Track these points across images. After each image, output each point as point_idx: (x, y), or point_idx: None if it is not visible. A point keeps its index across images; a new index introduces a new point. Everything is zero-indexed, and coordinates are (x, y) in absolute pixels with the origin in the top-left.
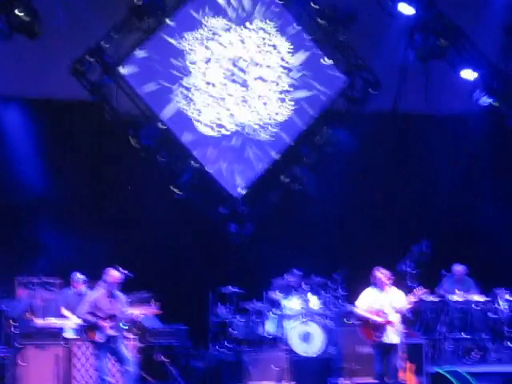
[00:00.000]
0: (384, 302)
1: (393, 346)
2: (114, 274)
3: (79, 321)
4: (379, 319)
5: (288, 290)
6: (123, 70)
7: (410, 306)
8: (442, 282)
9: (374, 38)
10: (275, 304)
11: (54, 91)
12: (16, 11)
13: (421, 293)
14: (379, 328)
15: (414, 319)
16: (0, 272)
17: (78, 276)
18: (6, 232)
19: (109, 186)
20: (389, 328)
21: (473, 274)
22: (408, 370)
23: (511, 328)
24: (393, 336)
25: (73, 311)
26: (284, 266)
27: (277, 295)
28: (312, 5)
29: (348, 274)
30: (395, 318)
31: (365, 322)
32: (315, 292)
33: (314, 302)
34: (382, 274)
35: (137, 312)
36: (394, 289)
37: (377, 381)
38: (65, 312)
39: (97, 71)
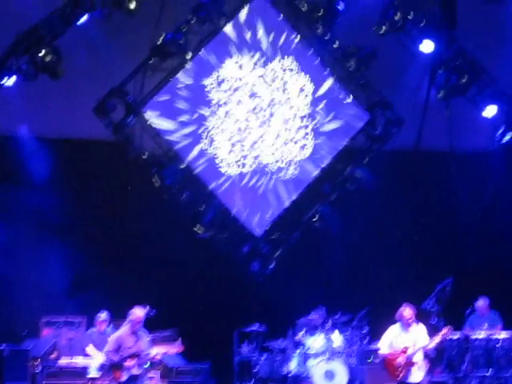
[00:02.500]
0: (408, 340)
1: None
2: (138, 313)
3: (104, 359)
4: (401, 359)
5: (313, 328)
6: (148, 115)
7: (434, 345)
8: (466, 321)
9: (396, 75)
10: (299, 343)
11: (77, 131)
12: (40, 52)
13: (446, 333)
14: (403, 367)
15: (437, 357)
16: (25, 312)
17: (101, 316)
18: (31, 272)
19: (132, 225)
20: (413, 367)
21: (497, 308)
22: None
23: None
24: (417, 374)
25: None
26: (307, 304)
27: (300, 335)
28: (333, 43)
29: (372, 312)
30: (418, 357)
31: (388, 361)
32: (340, 330)
33: (338, 339)
34: (408, 312)
35: (156, 352)
36: (419, 326)
37: None
38: (90, 350)
39: (120, 111)
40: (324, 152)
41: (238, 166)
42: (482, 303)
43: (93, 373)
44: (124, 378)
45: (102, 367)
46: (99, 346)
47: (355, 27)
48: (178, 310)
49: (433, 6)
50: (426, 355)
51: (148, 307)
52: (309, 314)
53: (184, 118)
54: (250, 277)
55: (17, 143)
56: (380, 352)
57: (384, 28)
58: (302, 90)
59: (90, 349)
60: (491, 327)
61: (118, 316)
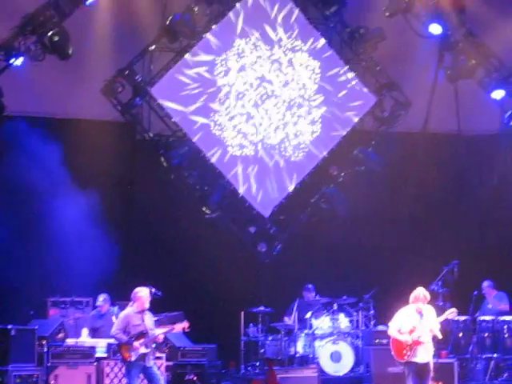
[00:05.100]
0: (417, 321)
1: (424, 366)
2: (145, 294)
3: (107, 341)
4: (408, 339)
5: (316, 309)
6: (155, 95)
7: (439, 325)
8: (472, 303)
9: (404, 57)
10: (306, 324)
11: (85, 111)
12: (48, 33)
13: (451, 314)
14: (410, 347)
15: (444, 339)
16: (32, 292)
17: (99, 298)
18: (38, 252)
19: (139, 206)
20: (420, 347)
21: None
22: None
23: None
24: (424, 355)
25: (97, 332)
26: (314, 285)
27: (308, 316)
28: (341, 26)
29: (379, 293)
30: (427, 338)
31: (396, 342)
32: (346, 312)
33: (344, 321)
34: (424, 294)
35: (161, 332)
36: (429, 308)
37: None
38: (84, 333)
39: (128, 92)
40: (332, 134)
41: (246, 148)
42: (486, 284)
43: (100, 354)
44: (132, 357)
45: (109, 347)
46: (99, 328)
47: (363, 9)
48: (185, 291)
49: None
50: (434, 336)
51: (152, 288)
52: (302, 295)
53: (192, 98)
54: (257, 258)
55: (25, 123)
56: (389, 332)
57: (392, 9)
58: (309, 71)
59: (83, 332)
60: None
61: (124, 297)
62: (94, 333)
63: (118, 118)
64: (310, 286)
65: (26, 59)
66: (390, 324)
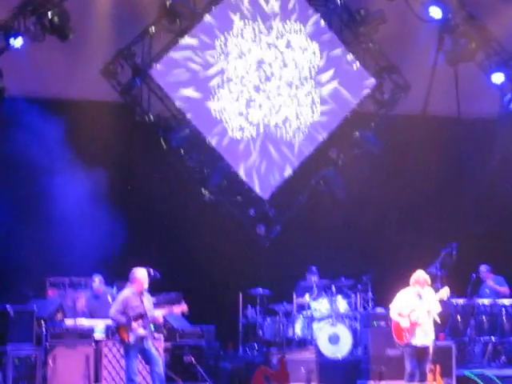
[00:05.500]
0: (417, 304)
1: (423, 349)
2: (143, 274)
3: (105, 322)
4: (407, 323)
5: (316, 291)
6: (155, 77)
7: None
8: (470, 286)
9: (404, 40)
10: (304, 306)
11: (85, 93)
12: (48, 13)
13: (444, 294)
14: (409, 330)
15: (442, 322)
16: (31, 273)
17: (96, 279)
18: (38, 233)
19: (138, 187)
20: (419, 330)
21: (503, 274)
22: (436, 373)
23: None
24: (423, 338)
25: (95, 313)
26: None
27: (306, 298)
28: (342, 8)
29: (377, 276)
30: (426, 320)
31: (395, 324)
32: (344, 294)
33: (343, 304)
34: (424, 276)
35: (160, 313)
36: (428, 290)
37: (407, 381)
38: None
39: (127, 73)
40: (331, 116)
41: (246, 130)
42: (483, 268)
43: (98, 335)
44: (131, 339)
45: (107, 328)
46: (97, 310)
47: None
48: (184, 272)
49: None
50: (434, 319)
51: (150, 269)
52: (304, 277)
53: (191, 80)
54: (256, 240)
55: (25, 103)
56: (390, 315)
57: None
58: (309, 53)
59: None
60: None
61: (123, 277)
62: (91, 314)
63: (118, 99)
64: (313, 268)
65: (25, 40)
66: (390, 306)
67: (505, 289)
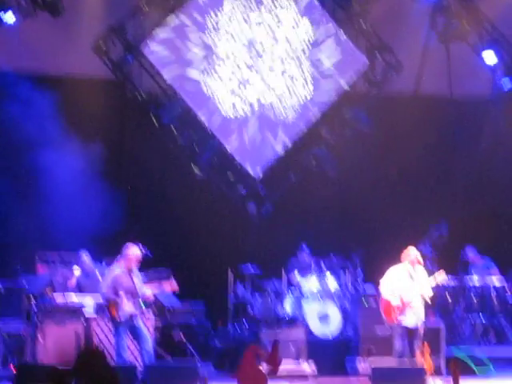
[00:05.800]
0: (409, 282)
1: (413, 330)
2: (135, 251)
3: (95, 298)
4: (399, 303)
5: (306, 269)
6: (146, 53)
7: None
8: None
9: (396, 20)
10: (294, 284)
11: (76, 69)
12: None
13: (441, 279)
14: (399, 309)
15: (432, 302)
16: (20, 248)
17: (84, 256)
18: (25, 207)
19: (129, 163)
20: (409, 311)
21: (492, 254)
22: (425, 352)
23: None
24: (412, 318)
25: (84, 290)
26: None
27: (296, 276)
28: None
29: (366, 254)
30: (417, 301)
31: (386, 304)
32: (334, 272)
33: (332, 282)
34: (415, 252)
35: (151, 291)
36: (420, 268)
37: (396, 360)
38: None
39: (119, 49)
40: (323, 96)
41: (237, 108)
42: (470, 252)
43: (89, 313)
44: (121, 317)
45: (98, 305)
46: (86, 286)
47: None
48: (173, 249)
49: None
50: (424, 299)
51: (140, 245)
52: (296, 255)
53: (183, 57)
54: (246, 217)
55: (16, 79)
56: (381, 293)
57: None
58: (301, 32)
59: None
60: (486, 272)
61: (111, 253)
62: (81, 290)
63: (110, 75)
64: (304, 245)
65: (17, 16)
66: (380, 281)
67: (494, 271)
